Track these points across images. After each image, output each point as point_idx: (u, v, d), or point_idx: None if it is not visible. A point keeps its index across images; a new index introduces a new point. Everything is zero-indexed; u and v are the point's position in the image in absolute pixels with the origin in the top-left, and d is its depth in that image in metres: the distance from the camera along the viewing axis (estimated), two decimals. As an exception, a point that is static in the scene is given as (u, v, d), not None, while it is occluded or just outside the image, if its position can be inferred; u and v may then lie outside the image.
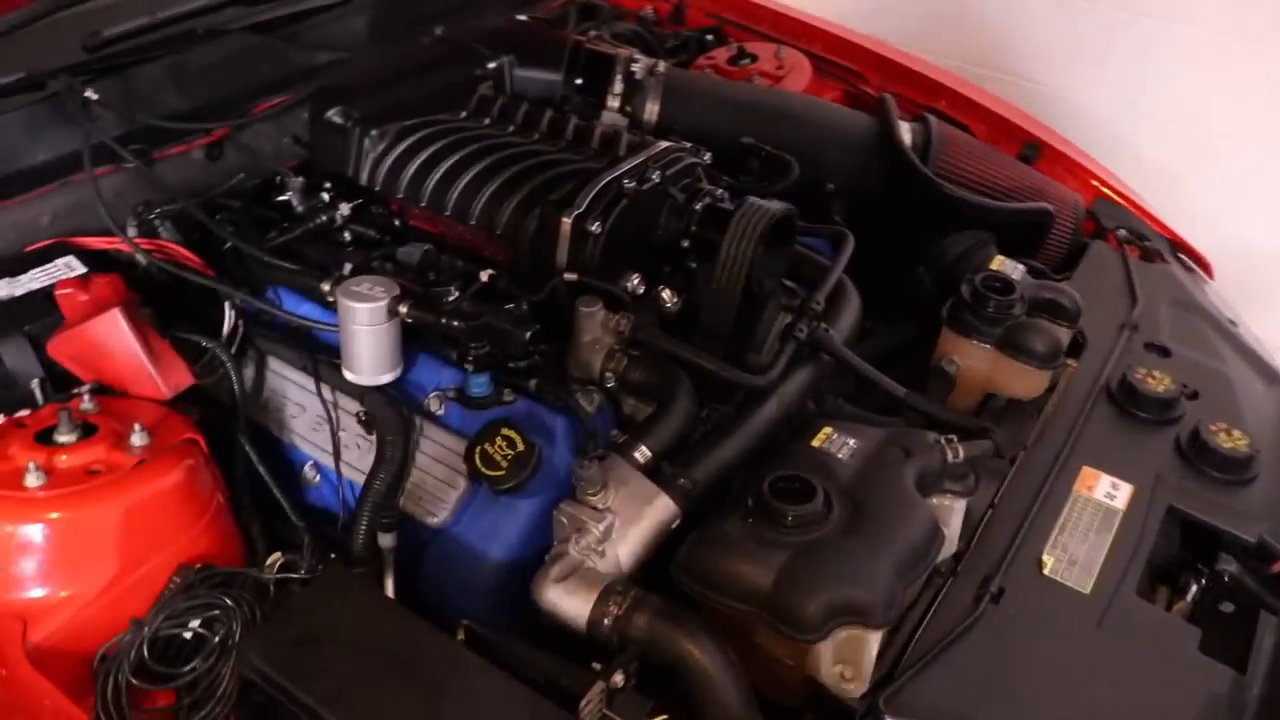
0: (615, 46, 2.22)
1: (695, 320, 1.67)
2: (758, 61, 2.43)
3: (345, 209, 1.74)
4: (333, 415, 1.58)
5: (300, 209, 1.76)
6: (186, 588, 1.30)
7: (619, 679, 1.23)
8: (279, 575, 1.38)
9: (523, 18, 2.29)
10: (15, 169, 1.68)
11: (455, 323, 1.48)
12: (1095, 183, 2.36)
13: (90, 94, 1.67)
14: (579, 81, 2.06)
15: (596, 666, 1.25)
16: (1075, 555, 1.51)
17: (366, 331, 1.50)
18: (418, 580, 1.52)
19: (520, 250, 1.65)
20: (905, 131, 2.14)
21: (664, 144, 1.76)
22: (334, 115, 1.80)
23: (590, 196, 1.61)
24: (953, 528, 1.51)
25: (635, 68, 2.07)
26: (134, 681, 1.22)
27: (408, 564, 1.53)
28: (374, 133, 1.77)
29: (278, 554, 1.41)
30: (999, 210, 2.03)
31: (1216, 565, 1.57)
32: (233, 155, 1.88)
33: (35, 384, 1.46)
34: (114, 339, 1.43)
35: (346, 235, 1.77)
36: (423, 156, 1.73)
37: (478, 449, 1.47)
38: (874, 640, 1.30)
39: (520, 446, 1.45)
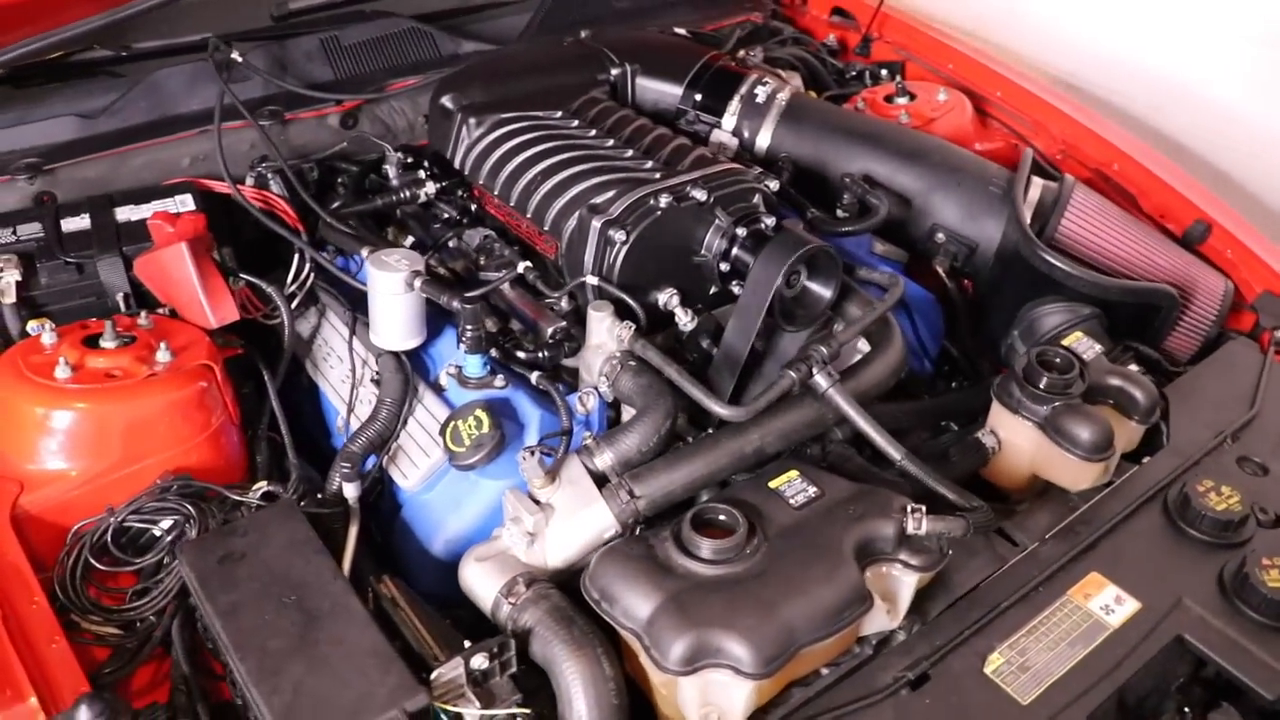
0: (760, 69, 2.22)
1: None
2: (913, 101, 2.35)
3: (431, 188, 1.89)
4: (356, 371, 1.72)
5: (395, 182, 1.92)
6: (162, 490, 1.48)
7: (480, 660, 1.28)
8: (257, 500, 1.54)
9: (681, 31, 2.35)
10: (172, 114, 1.95)
11: (456, 304, 1.58)
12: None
13: (236, 56, 1.91)
14: (698, 98, 2.09)
15: (466, 644, 1.32)
16: (1032, 661, 1.39)
17: (386, 298, 1.63)
18: (393, 535, 1.65)
19: (560, 248, 1.72)
20: (1035, 188, 2.02)
21: (727, 165, 1.77)
22: (446, 100, 1.95)
23: (624, 206, 1.65)
24: (899, 600, 1.44)
25: (759, 90, 2.07)
26: (92, 560, 1.42)
27: (387, 520, 1.66)
28: (472, 120, 1.90)
29: (263, 482, 1.57)
30: (1105, 285, 1.87)
31: (1210, 713, 1.40)
32: (367, 126, 2.07)
33: (120, 297, 1.70)
34: (176, 269, 1.63)
35: (444, 212, 1.92)
36: (504, 148, 1.84)
37: (451, 424, 1.56)
38: (743, 689, 1.28)
39: (486, 429, 1.53)
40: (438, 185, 1.89)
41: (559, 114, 1.91)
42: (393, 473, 1.62)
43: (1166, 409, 1.79)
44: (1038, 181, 2.05)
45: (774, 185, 1.78)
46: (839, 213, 1.98)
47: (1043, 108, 2.38)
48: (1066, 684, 1.37)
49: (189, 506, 1.47)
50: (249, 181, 1.88)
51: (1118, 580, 1.50)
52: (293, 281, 1.78)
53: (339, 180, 2.00)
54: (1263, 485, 1.67)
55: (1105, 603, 1.47)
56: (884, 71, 2.49)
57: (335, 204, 1.92)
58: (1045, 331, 1.92)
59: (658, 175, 1.73)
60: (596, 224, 1.64)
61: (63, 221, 1.73)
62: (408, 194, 1.87)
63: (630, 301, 1.63)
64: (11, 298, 1.62)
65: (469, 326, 1.58)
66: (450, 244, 1.86)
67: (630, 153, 1.80)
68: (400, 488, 1.61)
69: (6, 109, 1.86)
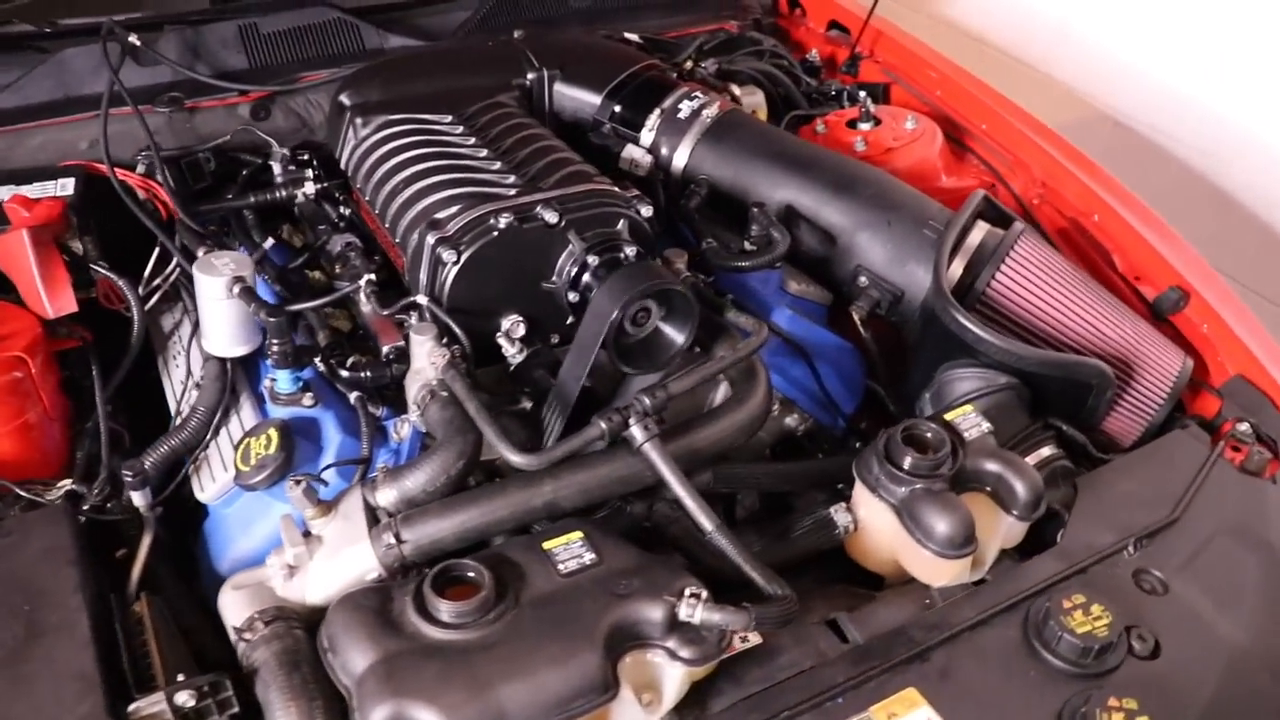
0: (699, 84, 2.06)
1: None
2: (876, 127, 2.15)
3: (310, 188, 1.82)
4: (193, 375, 1.66)
5: (279, 179, 1.86)
6: (-58, 476, 1.45)
7: (185, 698, 1.22)
8: (58, 499, 1.51)
9: (634, 37, 2.20)
10: (76, 95, 1.92)
11: (262, 314, 1.50)
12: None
13: (134, 40, 1.88)
14: (617, 109, 1.95)
15: (180, 678, 1.25)
16: (799, 781, 1.24)
17: (210, 303, 1.56)
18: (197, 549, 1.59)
19: (406, 263, 1.63)
20: (978, 232, 1.81)
21: (596, 185, 1.64)
22: (343, 97, 1.87)
23: (462, 223, 1.54)
24: (663, 692, 1.29)
25: (684, 105, 1.92)
26: None
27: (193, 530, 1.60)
28: (359, 120, 1.81)
29: (67, 481, 1.53)
30: (1020, 355, 1.66)
31: None
32: (280, 118, 2.01)
33: (-30, 277, 1.69)
34: (17, 254, 1.60)
35: (330, 214, 1.85)
36: (380, 151, 1.74)
37: (245, 441, 1.49)
38: None
39: (272, 449, 1.46)
40: (317, 186, 1.81)
41: (450, 119, 1.81)
42: (195, 484, 1.56)
43: (1072, 502, 1.59)
44: (983, 226, 1.84)
45: (646, 210, 1.63)
46: (746, 245, 1.81)
47: (1027, 145, 2.14)
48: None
49: (-36, 501, 1.44)
50: (139, 170, 1.84)
51: (936, 702, 1.30)
52: (153, 275, 1.73)
53: (244, 173, 1.95)
54: (1156, 606, 1.45)
55: (913, 724, 1.29)
56: (863, 94, 2.28)
57: (229, 197, 1.88)
58: (955, 397, 1.73)
59: (513, 191, 1.61)
60: (430, 240, 1.54)
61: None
62: (284, 193, 1.81)
63: (453, 326, 1.52)
64: None
65: (274, 341, 1.50)
66: (326, 248, 1.79)
67: (499, 165, 1.68)
68: (195, 495, 1.55)
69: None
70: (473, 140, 1.75)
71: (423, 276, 1.56)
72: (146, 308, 1.71)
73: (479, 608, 1.24)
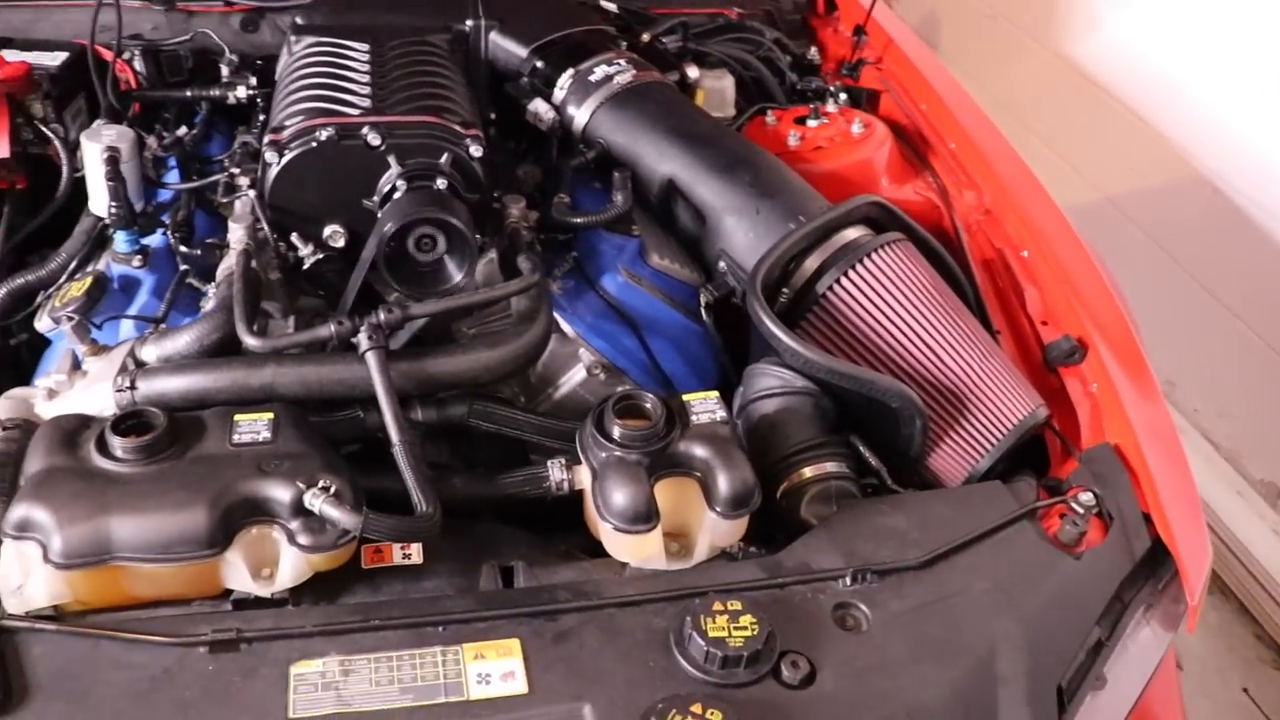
0: (627, 54, 2.07)
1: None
2: (821, 124, 2.08)
3: (242, 92, 2.01)
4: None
5: (224, 81, 2.06)
6: None
7: None
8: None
9: (611, 6, 2.24)
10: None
11: (111, 182, 1.69)
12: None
13: (138, -66, 2.13)
14: (539, 64, 2.01)
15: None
16: (347, 686, 1.25)
17: (88, 165, 1.76)
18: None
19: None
20: (854, 231, 1.74)
21: (434, 119, 1.71)
22: (298, 17, 2.04)
23: (291, 132, 1.66)
24: (281, 570, 1.35)
25: (598, 69, 1.95)
26: None
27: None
28: (293, 38, 1.97)
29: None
30: (809, 360, 1.59)
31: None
32: (267, 34, 2.22)
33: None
34: (-35, 100, 1.88)
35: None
36: (292, 67, 1.90)
37: (68, 284, 1.69)
38: (44, 570, 1.27)
39: (80, 294, 1.63)
40: (249, 92, 2.00)
41: (366, 47, 1.92)
42: (39, 317, 1.76)
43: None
44: (861, 230, 1.76)
45: (476, 150, 1.68)
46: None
47: (985, 170, 2.01)
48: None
49: None
50: (126, 56, 2.10)
51: (532, 657, 1.28)
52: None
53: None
54: (840, 641, 1.34)
55: (489, 671, 1.29)
56: (844, 95, 2.21)
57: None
58: (753, 392, 1.68)
59: (357, 113, 1.71)
60: (265, 142, 1.67)
61: (-50, 52, 2.04)
62: (219, 92, 2.01)
63: (262, 219, 1.65)
64: None
65: (113, 203, 1.69)
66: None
67: (369, 92, 1.78)
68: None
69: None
70: (367, 68, 1.86)
71: (261, 178, 1.69)
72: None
73: (140, 449, 1.35)
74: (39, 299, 1.77)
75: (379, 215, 1.63)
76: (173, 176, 1.92)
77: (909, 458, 1.66)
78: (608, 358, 1.77)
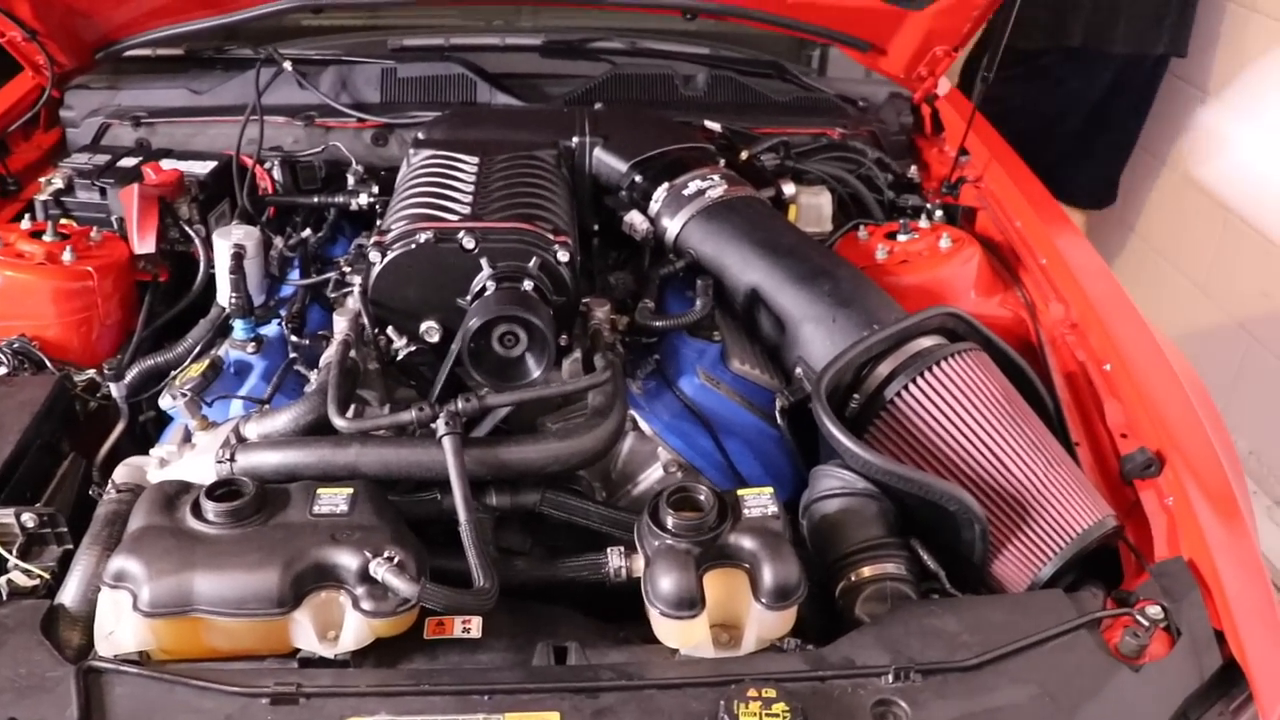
0: (721, 169, 2.16)
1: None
2: (910, 239, 2.12)
3: (364, 199, 2.20)
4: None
5: (350, 188, 2.25)
6: (2, 345, 1.94)
7: (30, 518, 1.58)
8: (84, 380, 1.95)
9: (715, 126, 2.36)
10: (246, 103, 2.44)
11: (233, 275, 1.87)
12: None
13: (287, 65, 2.37)
14: (637, 178, 2.12)
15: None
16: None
17: (217, 260, 1.95)
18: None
19: (371, 262, 1.92)
20: (925, 340, 1.77)
21: (528, 226, 1.82)
22: (420, 132, 2.22)
23: (396, 234, 1.81)
24: (345, 633, 1.44)
25: (692, 184, 2.06)
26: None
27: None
28: (413, 151, 2.15)
29: (92, 370, 1.97)
30: (869, 463, 1.61)
31: None
32: (395, 146, 2.42)
33: (115, 218, 2.20)
34: (127, 203, 2.10)
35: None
36: (408, 176, 2.07)
37: (190, 365, 1.86)
38: (133, 618, 1.40)
39: (198, 375, 1.79)
40: (370, 200, 2.18)
41: (476, 161, 2.08)
42: (165, 395, 1.94)
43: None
44: (936, 339, 1.79)
45: (564, 255, 1.79)
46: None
47: (1073, 286, 2.01)
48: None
49: (12, 359, 1.92)
50: (267, 165, 2.32)
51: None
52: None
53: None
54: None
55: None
56: (939, 212, 2.26)
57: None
58: (817, 492, 1.71)
59: (456, 219, 1.85)
60: (369, 243, 1.83)
61: (121, 160, 2.30)
62: (342, 198, 2.20)
63: (364, 313, 1.78)
64: (44, 195, 2.20)
65: (233, 295, 1.86)
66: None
67: (471, 200, 1.93)
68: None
69: (153, 78, 2.49)
70: (473, 179, 2.01)
71: (367, 274, 1.84)
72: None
73: (228, 513, 1.48)
74: (165, 380, 1.94)
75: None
76: (295, 274, 2.10)
77: (971, 564, 1.65)
78: (684, 456, 1.82)
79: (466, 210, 1.89)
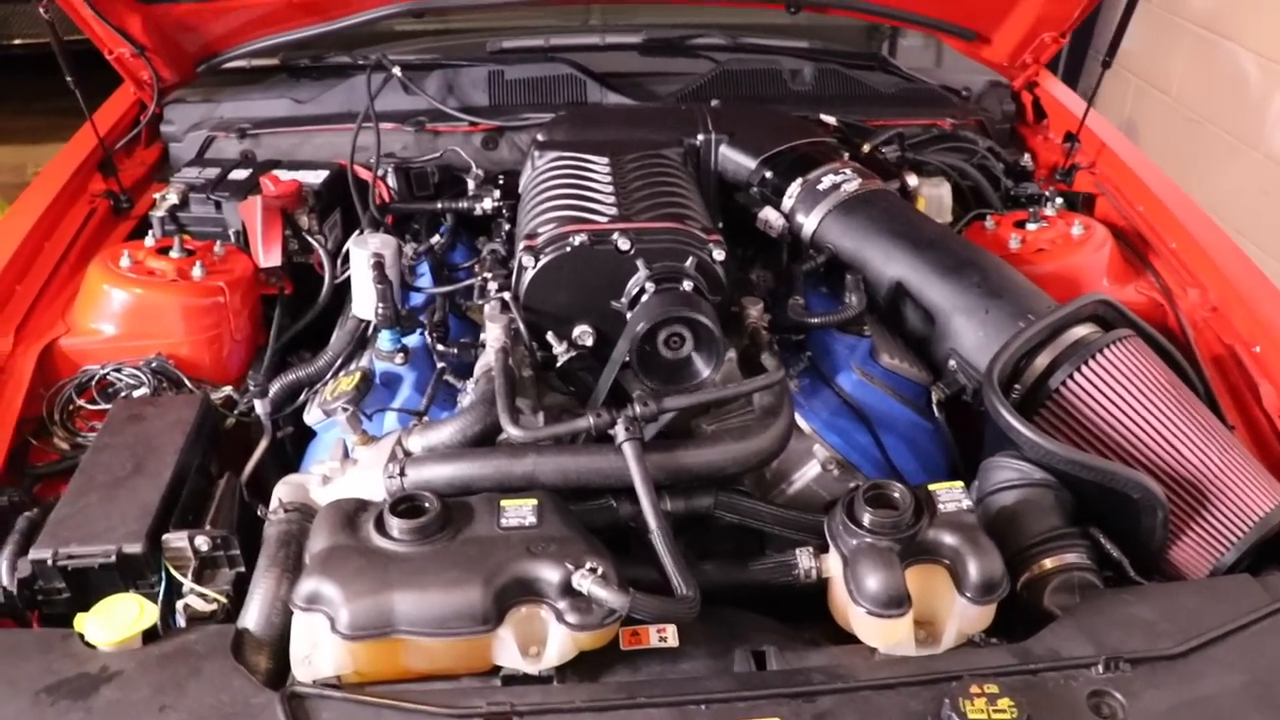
0: (852, 163, 2.14)
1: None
2: (1040, 228, 2.10)
3: (489, 204, 2.17)
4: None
5: (470, 193, 2.23)
6: (145, 362, 1.92)
7: (203, 542, 1.55)
8: (219, 398, 1.93)
9: (830, 120, 2.34)
10: (356, 110, 2.41)
11: (378, 287, 1.84)
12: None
13: (396, 71, 2.34)
14: (768, 174, 2.10)
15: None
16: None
17: (354, 270, 1.93)
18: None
19: (517, 268, 1.90)
20: (1080, 329, 1.75)
21: (678, 225, 1.80)
22: (539, 134, 2.19)
23: (547, 237, 1.79)
24: (548, 648, 1.42)
25: (826, 178, 2.04)
26: (72, 393, 1.90)
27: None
28: (537, 153, 2.12)
29: (228, 387, 1.95)
30: (1050, 452, 1.59)
31: None
32: (505, 150, 2.40)
33: (232, 231, 2.18)
34: (250, 216, 2.09)
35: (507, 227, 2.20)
36: (537, 178, 2.04)
37: (338, 378, 1.84)
38: (332, 641, 1.38)
39: (350, 388, 1.76)
40: (495, 204, 2.16)
41: (606, 161, 2.06)
42: (308, 410, 1.92)
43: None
44: (1089, 327, 1.78)
45: (719, 254, 1.77)
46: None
47: (1209, 268, 2.00)
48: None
49: (152, 379, 1.90)
50: (380, 172, 2.30)
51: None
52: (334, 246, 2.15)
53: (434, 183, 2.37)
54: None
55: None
56: (1060, 199, 2.24)
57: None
58: (991, 485, 1.69)
59: (605, 220, 1.83)
60: (520, 247, 1.80)
61: (232, 173, 2.27)
62: (466, 204, 2.17)
63: (518, 320, 1.76)
64: (160, 211, 2.18)
65: (379, 305, 1.84)
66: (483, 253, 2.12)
67: (614, 200, 1.90)
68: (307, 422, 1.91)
69: (253, 89, 2.47)
70: (609, 180, 1.99)
71: (514, 278, 1.82)
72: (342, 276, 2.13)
73: (416, 530, 1.46)
74: (303, 395, 1.92)
75: (628, 316, 1.72)
76: (423, 281, 2.08)
77: (1149, 551, 1.64)
78: (841, 453, 1.81)
79: (613, 211, 1.87)
